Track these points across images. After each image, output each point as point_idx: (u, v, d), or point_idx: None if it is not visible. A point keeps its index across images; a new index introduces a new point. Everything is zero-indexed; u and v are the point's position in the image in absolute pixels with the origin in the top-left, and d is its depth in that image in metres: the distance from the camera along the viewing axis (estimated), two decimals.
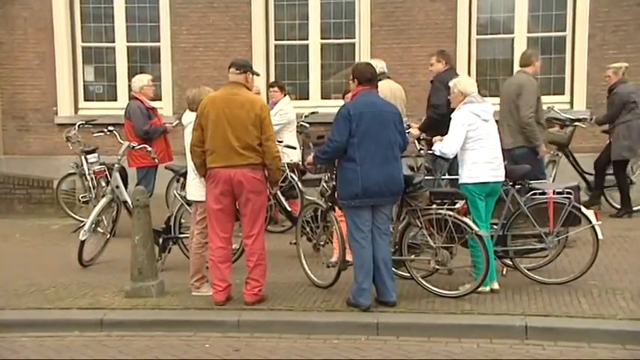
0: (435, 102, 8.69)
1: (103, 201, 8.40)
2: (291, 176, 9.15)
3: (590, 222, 6.93)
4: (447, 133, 6.85)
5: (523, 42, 11.84)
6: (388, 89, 9.00)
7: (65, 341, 6.17)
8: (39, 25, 12.20)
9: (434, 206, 6.70)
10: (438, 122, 8.38)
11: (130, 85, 11.75)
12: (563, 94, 11.90)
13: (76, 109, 12.45)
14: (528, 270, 7.24)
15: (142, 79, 9.81)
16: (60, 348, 6.01)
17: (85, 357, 5.79)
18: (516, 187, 7.09)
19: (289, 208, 8.61)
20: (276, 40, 12.21)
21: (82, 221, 8.85)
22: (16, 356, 5.82)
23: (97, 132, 9.60)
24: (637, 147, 9.95)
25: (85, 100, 12.56)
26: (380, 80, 9.36)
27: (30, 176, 11.46)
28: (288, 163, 9.08)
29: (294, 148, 9.59)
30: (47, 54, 12.22)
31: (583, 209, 6.98)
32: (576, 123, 10.49)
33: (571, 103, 11.82)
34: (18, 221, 9.36)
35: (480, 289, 6.67)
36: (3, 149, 12.36)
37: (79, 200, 10.24)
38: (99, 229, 8.46)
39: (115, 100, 12.27)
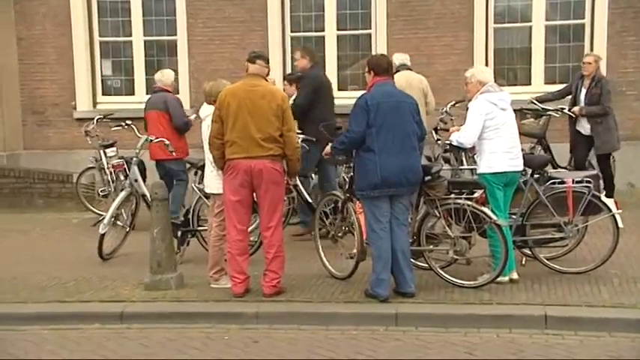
0: (299, 101, 8.78)
1: (122, 194, 8.43)
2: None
3: (610, 211, 6.88)
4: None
5: (541, 30, 11.74)
6: (404, 80, 9.00)
7: (86, 334, 6.21)
8: (57, 21, 12.25)
9: (452, 196, 6.68)
10: (295, 117, 8.35)
11: (148, 79, 11.90)
12: None
13: (95, 103, 12.49)
14: (548, 259, 7.21)
15: (172, 74, 9.82)
16: (81, 340, 6.05)
17: (106, 349, 5.82)
18: (535, 176, 7.04)
19: (310, 200, 8.59)
20: (292, 32, 12.18)
21: (102, 215, 8.89)
22: (38, 349, 5.86)
23: (115, 126, 9.64)
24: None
25: (103, 94, 12.60)
26: (398, 72, 9.39)
27: (50, 171, 11.53)
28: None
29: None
30: (65, 49, 12.27)
31: (603, 198, 6.92)
32: (550, 113, 10.18)
33: None
34: (38, 215, 9.43)
35: (498, 279, 6.65)
36: (23, 144, 12.44)
37: (99, 194, 10.29)
38: (118, 222, 8.50)
39: (133, 94, 12.30)
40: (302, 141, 8.19)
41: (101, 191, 10.13)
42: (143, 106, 9.71)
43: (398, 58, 9.77)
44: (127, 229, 8.64)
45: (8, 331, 6.34)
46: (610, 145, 9.56)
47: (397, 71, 9.79)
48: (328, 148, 6.96)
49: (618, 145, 9.63)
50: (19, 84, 12.43)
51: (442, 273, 6.82)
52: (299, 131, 8.04)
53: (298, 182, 8.30)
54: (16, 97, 12.40)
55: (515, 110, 6.95)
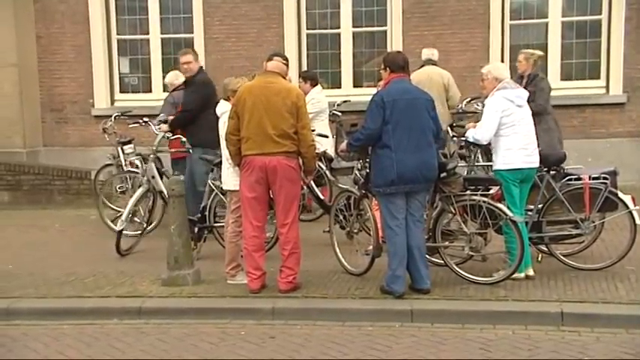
0: (188, 106, 8.72)
1: (139, 191, 8.46)
2: (318, 165, 9.13)
3: (628, 207, 6.84)
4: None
5: (557, 26, 11.68)
6: (426, 75, 9.03)
7: (105, 329, 6.24)
8: (75, 19, 12.32)
9: (468, 192, 6.65)
10: (184, 121, 8.63)
11: (164, 77, 11.90)
12: (598, 78, 11.70)
13: (112, 100, 12.56)
14: (564, 256, 7.17)
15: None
16: (99, 335, 6.08)
17: (124, 344, 5.85)
18: (551, 172, 7.00)
19: (322, 197, 8.60)
20: (308, 29, 12.19)
21: (119, 211, 8.93)
22: (57, 343, 5.90)
23: (133, 123, 9.67)
24: None
25: (121, 91, 12.67)
26: (423, 66, 9.40)
27: (68, 167, 11.60)
28: (316, 153, 9.06)
29: (327, 137, 9.57)
30: (84, 47, 12.34)
31: (620, 194, 6.88)
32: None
33: (607, 87, 11.62)
34: (57, 211, 9.48)
35: (514, 275, 6.62)
36: (42, 141, 12.53)
37: (116, 191, 10.33)
38: (135, 218, 8.54)
39: (150, 91, 12.36)
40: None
41: (119, 188, 10.16)
42: (160, 103, 9.74)
43: (425, 53, 9.82)
44: (145, 226, 8.69)
45: (29, 325, 6.38)
46: (550, 147, 8.70)
47: (422, 65, 9.81)
48: (344, 145, 6.95)
49: (560, 146, 8.79)
50: (39, 82, 12.51)
51: (458, 269, 6.80)
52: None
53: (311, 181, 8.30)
54: (36, 94, 12.49)
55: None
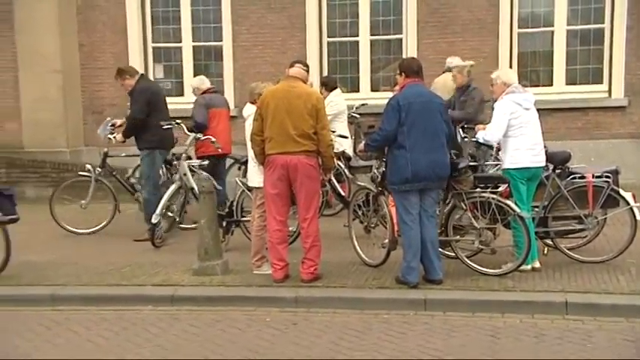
0: (134, 114, 8.74)
1: (172, 188, 8.46)
2: (338, 163, 9.11)
3: (628, 204, 6.78)
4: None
5: (563, 35, 11.59)
6: (442, 80, 9.04)
7: (141, 314, 6.28)
8: (115, 28, 12.37)
9: (478, 190, 6.63)
10: (135, 129, 8.68)
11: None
12: (601, 83, 11.60)
13: None
14: (568, 249, 7.12)
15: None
16: (136, 320, 6.12)
17: (158, 328, 5.88)
18: (557, 171, 6.96)
19: (343, 193, 8.58)
20: (328, 37, 12.17)
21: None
22: (98, 327, 5.94)
23: (166, 125, 9.67)
24: None
25: None
26: (444, 72, 9.39)
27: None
28: (335, 152, 9.05)
29: (346, 138, 9.55)
30: (122, 54, 12.39)
31: (621, 192, 6.83)
32: None
33: (609, 91, 11.51)
34: (99, 206, 9.51)
35: (521, 267, 6.58)
36: (84, 141, 12.60)
37: None
38: (169, 213, 8.56)
39: (182, 95, 12.37)
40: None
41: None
42: (192, 106, 9.75)
43: (448, 60, 9.77)
44: (177, 220, 8.71)
45: (72, 310, 6.43)
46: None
47: (444, 72, 9.78)
48: (362, 145, 6.94)
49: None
50: (81, 87, 12.59)
51: (468, 262, 6.77)
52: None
53: (331, 176, 8.28)
54: (78, 98, 12.57)
55: (538, 109, 6.87)
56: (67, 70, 12.25)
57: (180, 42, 12.50)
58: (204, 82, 9.67)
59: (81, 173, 9.47)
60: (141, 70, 12.20)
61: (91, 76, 12.55)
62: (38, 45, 11.98)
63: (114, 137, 9.05)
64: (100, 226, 9.34)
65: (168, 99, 11.92)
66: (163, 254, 8.00)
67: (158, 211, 8.16)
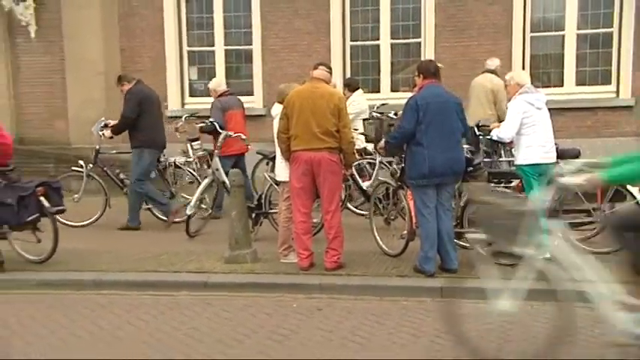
0: (124, 113, 9.00)
1: (205, 182, 8.50)
2: (360, 160, 9.07)
3: (635, 198, 6.69)
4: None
5: (573, 38, 11.47)
6: (475, 80, 9.13)
7: (176, 299, 6.32)
8: (153, 34, 12.44)
9: (492, 185, 6.58)
10: (125, 127, 8.97)
11: (228, 83, 11.95)
12: (609, 84, 11.46)
13: (183, 103, 12.66)
14: (578, 241, 7.03)
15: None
16: (172, 305, 6.16)
17: (193, 312, 5.91)
18: None
19: (365, 187, 8.56)
20: (351, 41, 12.14)
21: (188, 199, 8.99)
22: (137, 310, 5.99)
23: (200, 123, 9.69)
24: None
25: (190, 96, 12.75)
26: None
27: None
28: (356, 149, 9.02)
29: (367, 136, 9.52)
30: (159, 58, 12.46)
31: (628, 186, 6.73)
32: (383, 118, 9.60)
33: (617, 92, 11.38)
34: (88, 200, 9.58)
35: None
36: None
37: (186, 181, 10.39)
38: (202, 205, 8.61)
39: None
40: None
41: (188, 179, 10.24)
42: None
43: (488, 62, 9.72)
44: (210, 212, 8.75)
45: (113, 295, 6.49)
46: None
47: (483, 72, 9.71)
48: (382, 143, 6.92)
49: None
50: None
51: (483, 252, 6.70)
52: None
53: (354, 172, 8.26)
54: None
55: (549, 109, 6.80)
56: (109, 73, 12.32)
57: (213, 46, 12.53)
58: (220, 85, 9.77)
59: (74, 168, 9.46)
60: (176, 72, 12.40)
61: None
62: (83, 50, 12.09)
63: (103, 134, 9.27)
64: (92, 219, 9.28)
65: (202, 99, 12.07)
66: (197, 243, 8.04)
67: (192, 203, 8.19)
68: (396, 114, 9.05)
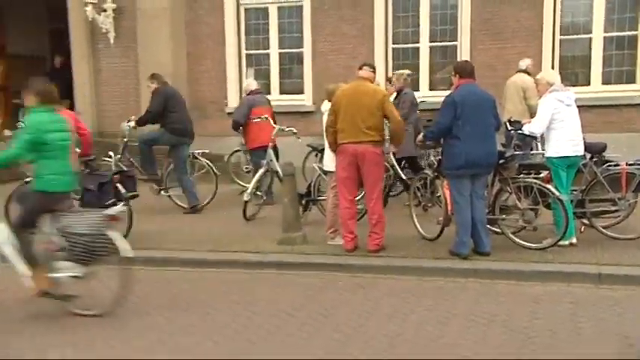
0: (150, 107, 9.10)
1: (261, 171, 8.53)
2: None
3: None
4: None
5: (600, 40, 11.10)
6: (509, 79, 9.09)
7: (235, 276, 6.37)
8: (215, 40, 12.50)
9: (522, 175, 6.47)
10: (149, 119, 9.13)
11: (281, 82, 12.00)
12: (634, 83, 11.07)
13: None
14: (603, 228, 6.86)
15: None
16: (231, 280, 6.21)
17: (250, 288, 5.95)
18: (594, 159, 6.73)
19: (404, 177, 8.46)
20: (393, 44, 11.99)
21: (245, 187, 9.03)
22: (201, 285, 6.04)
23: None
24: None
25: (246, 93, 12.77)
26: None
27: (208, 152, 11.76)
28: None
29: (407, 130, 9.39)
30: (220, 60, 12.53)
31: None
32: None
33: None
34: (200, 186, 9.68)
35: (560, 242, 6.38)
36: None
37: (243, 170, 10.48)
38: (258, 192, 8.63)
39: (269, 93, 12.43)
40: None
41: (245, 168, 10.30)
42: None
43: (520, 63, 9.55)
44: (264, 198, 8.77)
45: (177, 271, 6.58)
46: (406, 150, 8.10)
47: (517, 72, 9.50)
48: (421, 137, 6.83)
49: (415, 151, 8.34)
50: (187, 87, 12.78)
51: (513, 237, 6.59)
52: None
53: (394, 162, 8.18)
54: (185, 96, 12.75)
55: (577, 106, 6.62)
56: (176, 74, 12.46)
57: (268, 49, 12.55)
58: (251, 85, 9.93)
59: (104, 159, 9.36)
60: (235, 73, 12.47)
61: (195, 78, 12.73)
62: (155, 54, 12.22)
63: (129, 124, 9.37)
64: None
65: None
66: (253, 226, 8.07)
67: (249, 190, 8.23)
68: (429, 120, 9.02)
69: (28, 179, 7.03)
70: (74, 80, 12.77)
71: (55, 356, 4.35)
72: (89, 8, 12.14)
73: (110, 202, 7.11)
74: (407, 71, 9.32)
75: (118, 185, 7.23)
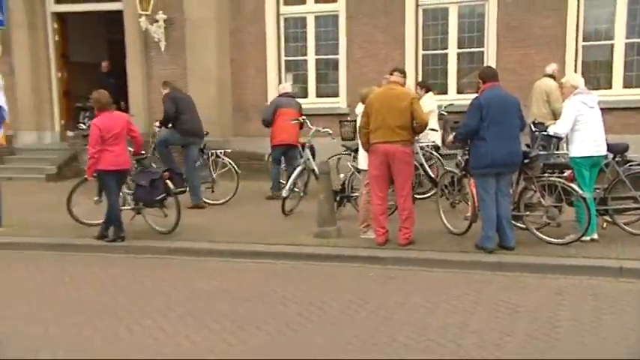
0: (165, 110, 9.04)
1: (298, 169, 8.53)
2: (429, 151, 8.88)
3: None
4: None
5: (621, 46, 10.81)
6: (537, 83, 8.84)
7: (275, 267, 6.38)
8: (257, 47, 12.54)
9: (546, 174, 6.33)
10: (167, 120, 9.05)
11: (317, 87, 11.97)
12: None
13: None
14: (624, 224, 6.68)
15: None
16: (271, 270, 6.22)
17: (288, 278, 5.95)
18: (616, 159, 6.56)
19: (432, 175, 8.37)
20: (423, 50, 11.87)
21: (284, 184, 9.06)
22: (244, 275, 6.07)
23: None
24: None
25: None
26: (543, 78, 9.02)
27: (249, 152, 11.81)
28: (427, 143, 8.84)
29: (436, 131, 9.32)
30: (261, 66, 12.56)
31: None
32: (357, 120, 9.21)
33: None
34: (242, 183, 9.73)
35: (582, 238, 6.24)
36: (232, 132, 12.91)
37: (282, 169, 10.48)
38: (295, 189, 8.64)
39: (307, 97, 12.42)
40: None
41: (283, 167, 10.32)
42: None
43: (547, 68, 9.37)
44: (301, 194, 8.78)
45: (222, 261, 6.62)
46: None
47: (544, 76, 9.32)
48: (451, 137, 6.75)
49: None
50: (231, 91, 12.88)
51: (537, 233, 6.47)
52: None
53: (424, 161, 8.10)
54: (229, 100, 12.87)
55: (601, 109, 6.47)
56: (221, 80, 12.57)
57: (306, 55, 12.54)
58: (284, 88, 10.07)
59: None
60: (275, 78, 12.50)
61: (238, 83, 12.79)
62: (201, 61, 12.34)
63: (156, 126, 9.66)
64: None
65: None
66: (291, 221, 8.07)
67: (287, 187, 8.25)
68: (456, 122, 8.92)
69: (85, 175, 7.20)
70: (129, 86, 12.97)
71: (47, 356, 4.19)
72: (143, 19, 12.33)
73: (160, 196, 7.22)
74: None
75: (168, 182, 7.32)
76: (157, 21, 12.45)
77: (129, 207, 7.50)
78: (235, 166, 9.48)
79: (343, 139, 9.10)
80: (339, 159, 9.74)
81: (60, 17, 13.62)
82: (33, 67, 13.38)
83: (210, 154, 9.53)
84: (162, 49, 12.69)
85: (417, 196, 8.28)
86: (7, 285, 5.96)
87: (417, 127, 6.47)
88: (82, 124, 11.05)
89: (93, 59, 14.19)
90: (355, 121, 9.51)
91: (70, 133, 13.01)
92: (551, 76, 9.22)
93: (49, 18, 13.51)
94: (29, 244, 7.31)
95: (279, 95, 9.89)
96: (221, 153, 9.53)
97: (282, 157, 9.67)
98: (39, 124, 13.59)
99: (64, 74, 13.83)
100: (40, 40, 13.46)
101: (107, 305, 5.22)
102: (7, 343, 4.43)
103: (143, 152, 7.62)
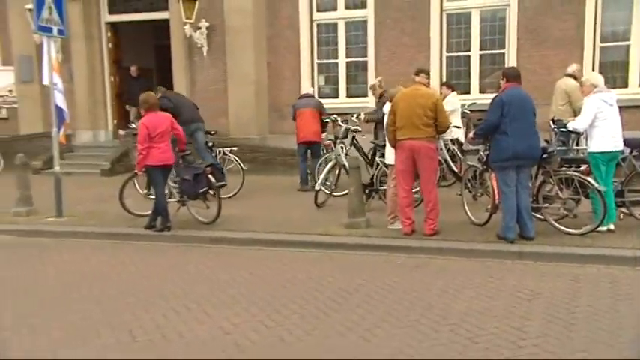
0: (166, 108, 8.55)
1: (330, 165, 8.55)
2: (452, 147, 8.81)
3: None
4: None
5: (637, 48, 10.53)
6: (558, 82, 8.61)
7: (308, 255, 6.38)
8: (291, 51, 12.60)
9: (563, 168, 6.22)
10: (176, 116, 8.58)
11: (347, 87, 11.94)
12: None
13: None
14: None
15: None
16: (305, 258, 6.25)
17: (321, 265, 5.96)
18: (633, 154, 6.41)
19: (455, 169, 8.30)
20: (447, 52, 11.77)
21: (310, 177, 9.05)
22: (279, 262, 6.12)
23: (326, 118, 9.76)
24: None
25: (319, 97, 12.80)
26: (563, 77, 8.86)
27: (285, 148, 11.89)
28: (451, 139, 8.77)
29: (459, 128, 9.23)
30: (295, 69, 12.62)
31: None
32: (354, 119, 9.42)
33: None
34: (277, 178, 9.77)
35: (599, 229, 6.11)
36: (268, 130, 13.00)
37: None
38: (327, 183, 8.65)
39: (337, 97, 12.43)
40: None
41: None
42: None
43: (568, 69, 9.16)
44: (333, 188, 8.78)
45: (260, 250, 6.67)
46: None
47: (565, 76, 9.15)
48: (472, 134, 6.68)
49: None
50: (268, 92, 12.96)
51: (555, 224, 6.36)
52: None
53: (447, 156, 8.03)
54: (265, 100, 12.96)
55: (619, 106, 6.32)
56: (258, 82, 12.66)
57: (337, 58, 12.54)
58: (303, 89, 10.02)
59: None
60: (308, 79, 12.52)
61: (274, 84, 12.87)
62: (240, 64, 12.45)
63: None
64: None
65: (324, 100, 12.01)
66: (323, 212, 8.09)
67: (319, 181, 8.26)
68: (479, 119, 8.81)
69: (135, 170, 7.34)
70: (174, 89, 13.15)
71: (48, 356, 3.98)
72: (187, 27, 12.50)
73: (203, 190, 7.31)
74: (379, 78, 9.68)
75: (210, 176, 7.41)
76: (199, 28, 12.61)
77: (174, 199, 7.63)
78: (241, 163, 9.47)
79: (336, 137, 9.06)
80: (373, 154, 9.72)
81: (113, 26, 13.91)
82: (89, 73, 13.71)
83: (218, 151, 9.60)
84: (205, 54, 12.84)
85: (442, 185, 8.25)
86: (70, 269, 6.12)
87: (439, 128, 6.43)
88: (132, 124, 11.27)
89: (143, 64, 14.43)
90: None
91: (121, 132, 13.28)
92: (572, 75, 9.02)
93: (104, 27, 13.83)
94: (88, 233, 7.50)
95: (299, 97, 9.97)
96: (228, 151, 9.58)
97: (308, 153, 9.70)
98: (94, 124, 13.93)
99: (116, 79, 14.12)
100: (96, 48, 13.79)
101: (156, 289, 5.32)
102: (71, 319, 4.56)
103: (186, 149, 7.72)
